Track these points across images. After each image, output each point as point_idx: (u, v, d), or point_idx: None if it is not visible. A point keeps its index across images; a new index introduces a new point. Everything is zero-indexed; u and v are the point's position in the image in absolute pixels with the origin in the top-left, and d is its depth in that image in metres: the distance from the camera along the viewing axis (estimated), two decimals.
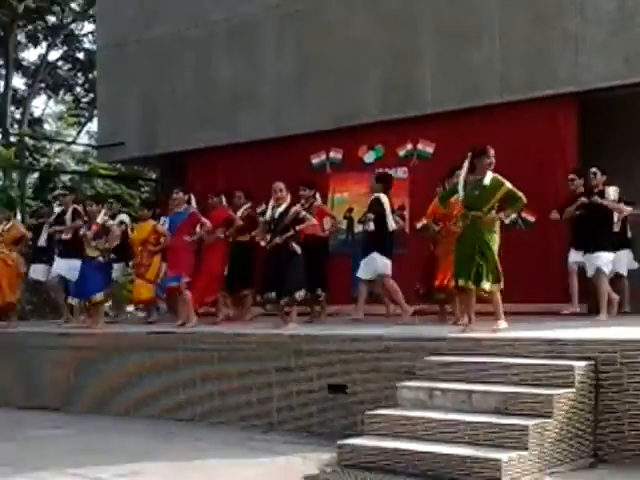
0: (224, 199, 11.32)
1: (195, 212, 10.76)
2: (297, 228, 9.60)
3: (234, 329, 9.67)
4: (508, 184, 8.07)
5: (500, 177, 8.12)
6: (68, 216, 11.81)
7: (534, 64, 10.88)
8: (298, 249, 9.57)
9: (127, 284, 13.05)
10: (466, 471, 5.91)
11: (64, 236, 11.78)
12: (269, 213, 9.82)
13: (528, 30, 10.95)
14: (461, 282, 8.06)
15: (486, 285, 7.95)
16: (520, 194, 8.14)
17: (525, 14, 10.98)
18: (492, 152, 8.11)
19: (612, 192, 9.55)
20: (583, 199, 9.65)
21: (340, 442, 6.67)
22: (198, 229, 10.63)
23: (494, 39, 11.18)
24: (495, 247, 8.04)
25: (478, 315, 8.31)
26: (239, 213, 11.13)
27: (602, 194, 9.53)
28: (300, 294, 9.52)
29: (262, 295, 9.72)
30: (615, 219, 9.61)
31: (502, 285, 8.05)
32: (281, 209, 9.71)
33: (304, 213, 9.86)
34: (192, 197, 11.02)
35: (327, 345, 8.25)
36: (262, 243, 10.04)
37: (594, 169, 9.69)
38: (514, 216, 9.99)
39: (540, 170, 10.82)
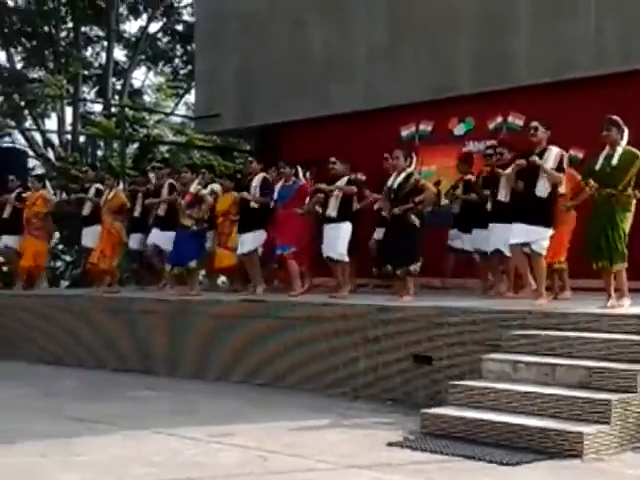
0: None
1: (304, 184, 10.82)
2: (417, 199, 9.38)
3: (325, 299, 9.82)
4: None
5: (635, 150, 7.80)
6: (164, 191, 12.07)
7: (630, 36, 10.67)
8: (417, 221, 9.39)
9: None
10: (548, 443, 6.00)
11: (159, 212, 12.04)
12: (389, 182, 9.62)
13: (624, 0, 10.72)
14: (594, 264, 7.86)
15: (605, 264, 7.74)
16: None
17: None
18: (622, 123, 7.81)
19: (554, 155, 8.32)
20: (520, 160, 8.48)
21: (423, 411, 6.85)
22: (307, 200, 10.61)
23: (589, 9, 10.98)
24: (626, 226, 7.74)
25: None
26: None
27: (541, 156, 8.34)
28: (415, 267, 9.34)
29: (378, 267, 9.68)
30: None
31: (623, 266, 7.76)
32: (400, 178, 9.52)
33: (424, 181, 9.70)
34: (299, 169, 11.02)
35: (414, 316, 8.39)
36: (383, 213, 9.86)
37: (535, 123, 8.50)
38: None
39: (635, 147, 10.58)
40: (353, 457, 6.10)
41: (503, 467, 5.74)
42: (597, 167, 7.90)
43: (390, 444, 6.47)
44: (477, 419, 6.46)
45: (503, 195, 9.41)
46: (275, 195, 10.91)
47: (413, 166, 9.72)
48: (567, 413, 6.22)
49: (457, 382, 7.05)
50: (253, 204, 10.94)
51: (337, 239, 10.11)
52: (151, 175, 12.91)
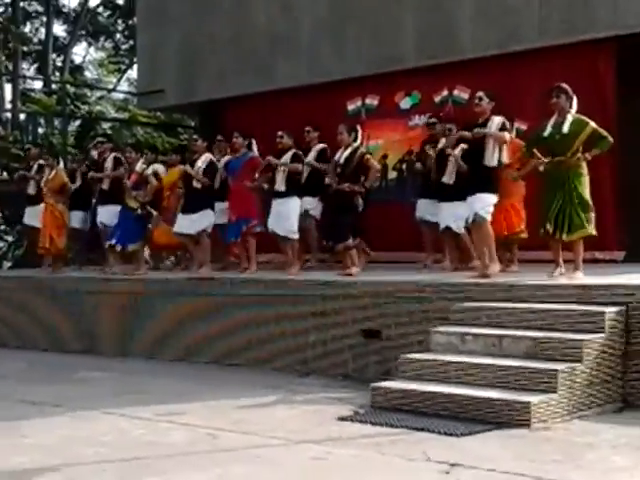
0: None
1: (255, 156, 10.67)
2: (367, 185, 9.39)
3: (273, 275, 9.81)
4: (593, 124, 7.78)
5: (584, 117, 7.83)
6: (109, 165, 11.86)
7: (573, 7, 10.71)
8: (361, 205, 9.41)
9: None
10: (496, 413, 6.06)
11: (103, 186, 11.85)
12: (336, 156, 9.64)
13: None
14: (542, 231, 7.87)
15: (563, 236, 7.76)
16: (606, 133, 7.81)
17: None
18: (571, 91, 7.86)
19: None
20: (464, 132, 8.55)
21: (373, 385, 6.87)
22: (258, 174, 10.46)
23: None
24: (584, 190, 7.74)
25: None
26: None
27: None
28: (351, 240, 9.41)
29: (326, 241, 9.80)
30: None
31: (590, 231, 7.75)
32: (347, 153, 9.52)
33: (368, 156, 9.66)
34: (253, 141, 10.88)
35: (362, 291, 8.40)
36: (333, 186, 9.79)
37: (480, 93, 8.56)
38: None
39: None
40: (303, 432, 6.09)
41: (453, 438, 5.78)
42: (545, 134, 7.91)
43: (340, 419, 6.47)
44: (426, 391, 6.50)
45: (448, 178, 9.48)
46: (224, 168, 10.83)
47: (359, 140, 9.68)
48: (514, 383, 6.28)
49: (406, 355, 7.07)
50: (195, 183, 10.81)
51: (286, 215, 10.08)
52: (93, 152, 12.68)
